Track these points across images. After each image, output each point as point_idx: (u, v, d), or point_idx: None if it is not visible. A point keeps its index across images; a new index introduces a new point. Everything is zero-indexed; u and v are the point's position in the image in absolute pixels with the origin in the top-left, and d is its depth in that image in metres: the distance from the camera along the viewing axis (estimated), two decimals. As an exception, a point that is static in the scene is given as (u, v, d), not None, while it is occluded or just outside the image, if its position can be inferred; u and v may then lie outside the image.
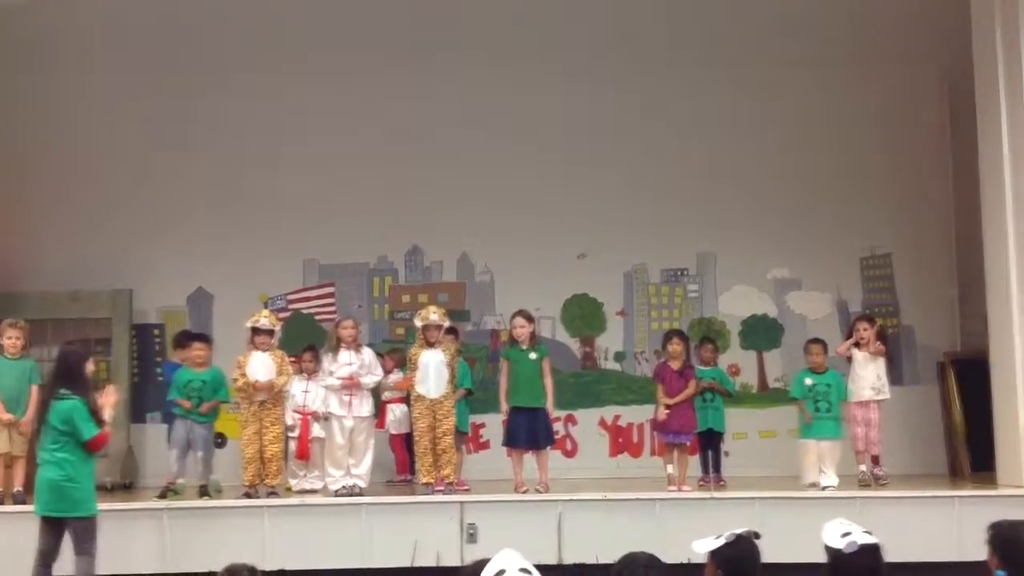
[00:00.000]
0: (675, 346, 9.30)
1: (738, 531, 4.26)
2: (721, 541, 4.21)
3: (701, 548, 4.24)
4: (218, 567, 4.30)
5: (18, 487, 8.76)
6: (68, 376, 7.35)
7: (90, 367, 7.64)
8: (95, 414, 7.30)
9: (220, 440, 9.68)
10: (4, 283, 11.18)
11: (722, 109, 11.49)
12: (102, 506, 8.02)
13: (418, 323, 9.03)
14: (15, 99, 11.34)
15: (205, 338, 9.72)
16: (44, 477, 7.24)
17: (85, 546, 7.22)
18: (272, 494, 8.78)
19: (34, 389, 8.82)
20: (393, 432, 10.48)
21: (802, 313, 11.63)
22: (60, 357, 7.54)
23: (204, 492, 9.14)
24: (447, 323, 9.14)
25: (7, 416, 8.68)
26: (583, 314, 11.79)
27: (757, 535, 4.29)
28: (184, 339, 10.19)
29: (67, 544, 7.33)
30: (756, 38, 11.42)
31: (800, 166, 11.46)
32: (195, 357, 9.46)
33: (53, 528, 7.27)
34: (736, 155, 11.50)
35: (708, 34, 11.46)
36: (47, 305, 10.99)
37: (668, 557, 4.15)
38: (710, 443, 9.86)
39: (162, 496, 9.00)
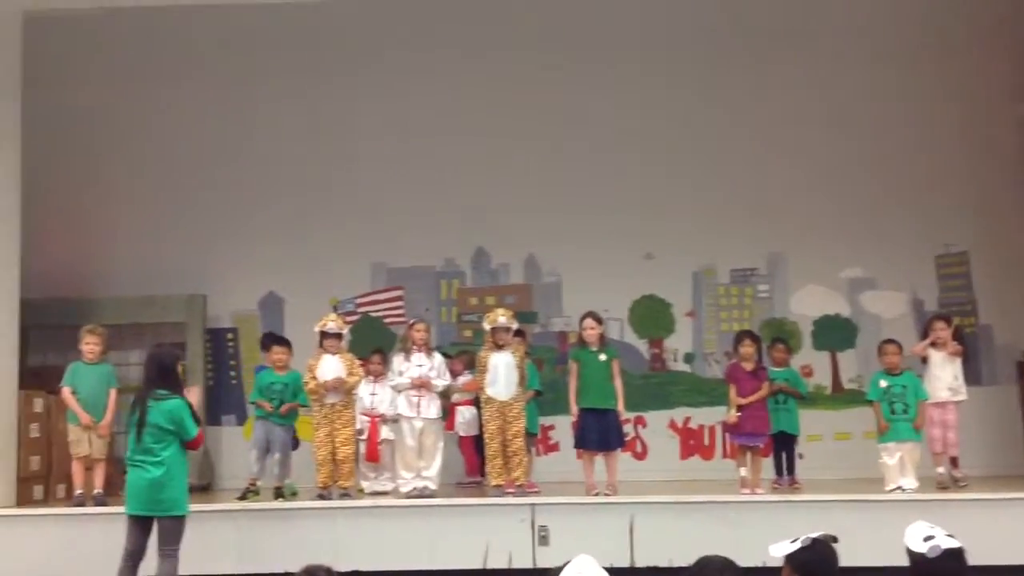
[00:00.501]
0: (747, 348, 9.19)
1: (815, 535, 4.20)
2: (798, 545, 4.15)
3: (778, 552, 4.19)
4: (294, 568, 4.35)
5: (99, 489, 8.94)
6: (164, 376, 7.38)
7: (180, 368, 7.75)
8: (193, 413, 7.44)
9: (294, 442, 9.79)
10: (82, 289, 11.44)
11: (793, 107, 11.36)
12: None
13: (486, 326, 9.05)
14: (91, 111, 11.63)
15: (286, 342, 9.84)
16: (143, 476, 7.23)
17: (171, 548, 7.29)
18: (345, 496, 8.84)
19: (112, 393, 9.01)
20: (462, 434, 10.51)
21: (876, 313, 11.45)
22: (154, 358, 7.53)
23: (279, 494, 9.25)
24: (515, 325, 9.14)
25: (88, 419, 8.86)
26: (651, 315, 11.72)
27: (835, 539, 4.23)
28: (267, 342, 10.34)
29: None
30: (829, 34, 11.30)
31: (873, 163, 11.30)
32: (276, 360, 9.61)
33: (143, 527, 7.34)
34: (807, 153, 11.36)
35: (780, 31, 11.36)
36: (123, 310, 11.22)
37: (742, 561, 4.12)
38: (784, 445, 9.76)
39: (243, 497, 9.14)
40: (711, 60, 11.43)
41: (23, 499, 9.24)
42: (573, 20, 11.46)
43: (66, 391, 8.90)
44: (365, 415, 9.62)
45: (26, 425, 9.48)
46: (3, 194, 9.23)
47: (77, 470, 8.96)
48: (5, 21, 9.42)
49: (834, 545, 4.20)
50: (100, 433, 8.94)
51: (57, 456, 9.69)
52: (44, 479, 9.74)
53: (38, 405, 9.72)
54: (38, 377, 10.33)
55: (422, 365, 9.05)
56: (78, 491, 8.91)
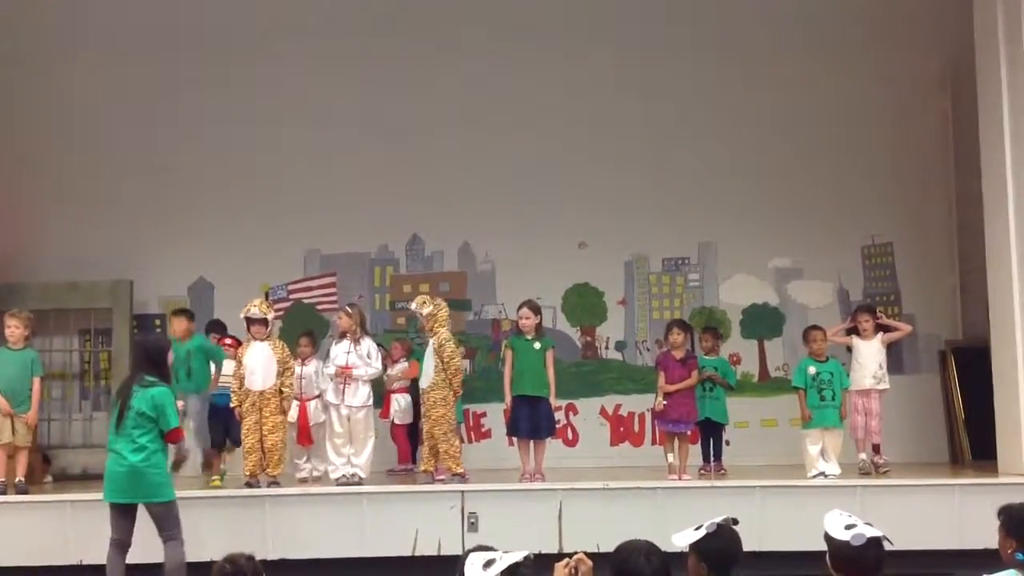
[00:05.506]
0: (676, 336, 9.29)
1: (718, 520, 4.24)
2: (702, 532, 4.17)
3: (681, 541, 4.20)
4: (219, 556, 4.31)
5: (20, 477, 8.76)
6: (153, 364, 7.32)
7: (170, 359, 7.60)
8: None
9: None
10: (7, 274, 11.19)
11: (723, 98, 11.46)
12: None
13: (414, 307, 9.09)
14: (17, 95, 11.37)
15: (183, 312, 9.83)
16: (123, 463, 7.12)
17: (172, 532, 7.23)
18: (273, 484, 8.76)
19: (36, 382, 8.84)
20: (397, 422, 10.48)
21: (803, 302, 11.62)
22: (145, 345, 7.64)
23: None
24: (426, 310, 8.96)
25: (7, 407, 8.67)
26: (584, 303, 11.78)
27: (735, 521, 4.28)
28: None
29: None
30: (760, 24, 11.41)
31: (801, 155, 11.45)
32: (175, 332, 9.60)
33: (126, 515, 7.25)
34: (737, 144, 11.47)
35: (712, 23, 11.46)
36: (48, 296, 11.01)
37: (669, 546, 4.15)
38: (711, 432, 9.88)
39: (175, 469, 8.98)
40: (644, 54, 11.46)
41: (-58, 487, 9.01)
42: (493, 13, 11.44)
43: (-14, 380, 8.70)
44: (295, 399, 9.48)
45: (-55, 412, 9.24)
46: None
47: (-1, 458, 8.79)
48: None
49: (736, 528, 4.25)
50: (28, 422, 8.76)
51: (-23, 444, 9.46)
52: (-36, 467, 9.51)
53: (-43, 392, 9.48)
54: (-41, 363, 10.08)
55: (349, 352, 8.96)
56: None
